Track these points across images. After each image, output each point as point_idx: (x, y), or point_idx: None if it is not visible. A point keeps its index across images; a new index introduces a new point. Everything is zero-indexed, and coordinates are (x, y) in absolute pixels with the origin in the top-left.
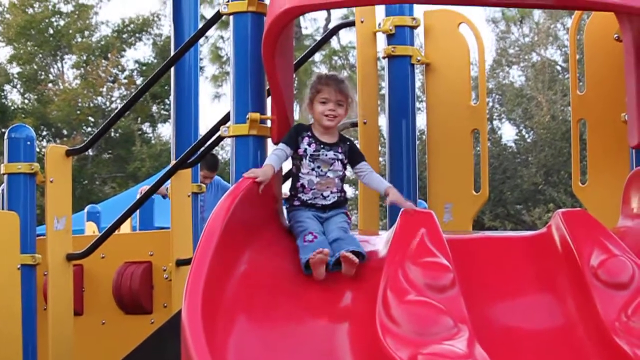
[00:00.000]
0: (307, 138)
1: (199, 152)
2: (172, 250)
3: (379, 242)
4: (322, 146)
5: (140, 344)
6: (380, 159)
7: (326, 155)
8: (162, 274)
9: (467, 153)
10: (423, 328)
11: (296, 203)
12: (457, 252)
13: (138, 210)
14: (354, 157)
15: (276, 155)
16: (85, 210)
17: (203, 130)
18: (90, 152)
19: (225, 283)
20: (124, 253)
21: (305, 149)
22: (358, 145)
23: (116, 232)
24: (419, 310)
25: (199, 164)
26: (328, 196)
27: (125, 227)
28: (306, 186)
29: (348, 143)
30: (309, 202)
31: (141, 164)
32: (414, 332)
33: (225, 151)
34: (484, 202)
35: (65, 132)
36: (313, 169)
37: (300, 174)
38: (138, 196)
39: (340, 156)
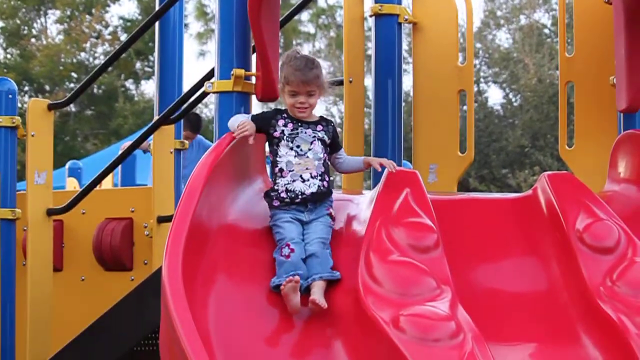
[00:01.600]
0: (282, 120)
1: (182, 109)
2: (154, 206)
3: (363, 202)
4: (299, 124)
5: (119, 300)
6: (365, 119)
7: (305, 132)
8: (143, 231)
9: (453, 114)
10: (405, 288)
11: (275, 203)
12: (441, 213)
13: (120, 167)
14: (335, 142)
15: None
16: (67, 166)
17: (187, 88)
18: (72, 108)
19: (207, 240)
20: (105, 209)
21: (282, 130)
22: (343, 106)
23: (97, 188)
24: (402, 271)
25: (182, 122)
26: (308, 180)
27: (107, 184)
28: (284, 169)
29: (331, 125)
30: (288, 190)
31: (124, 120)
32: (396, 293)
33: (209, 109)
34: (470, 163)
35: (47, 87)
36: (291, 149)
37: (277, 158)
38: (120, 152)
39: (321, 134)
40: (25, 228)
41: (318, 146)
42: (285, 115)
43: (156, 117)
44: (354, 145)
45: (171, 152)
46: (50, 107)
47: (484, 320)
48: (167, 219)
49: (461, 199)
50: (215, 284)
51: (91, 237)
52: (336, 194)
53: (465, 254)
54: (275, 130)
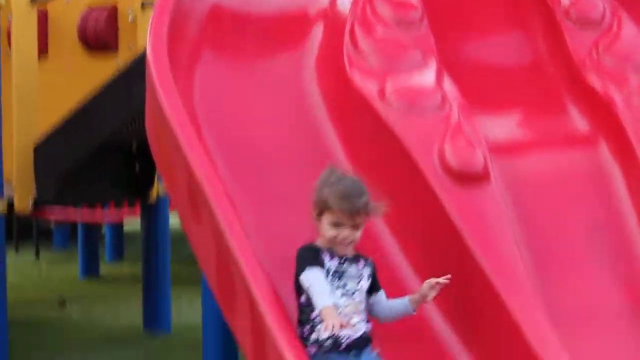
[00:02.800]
0: (326, 253)
1: None
2: None
3: None
4: (344, 259)
5: (106, 83)
6: None
7: (351, 268)
8: (128, 17)
9: None
10: (391, 61)
11: (311, 349)
12: None
13: None
14: (375, 282)
15: (323, 287)
16: None
17: None
18: None
19: (191, 21)
20: None
21: (328, 266)
22: None
23: None
24: (387, 44)
25: None
26: (356, 324)
27: None
28: None
29: (371, 260)
30: (332, 339)
31: None
32: (381, 65)
33: None
34: None
35: None
36: (338, 288)
37: None
38: None
39: (365, 272)
40: (10, 17)
41: (364, 284)
42: (324, 248)
43: None
44: None
45: None
46: None
47: (470, 92)
48: (150, 3)
49: None
50: (201, 62)
51: (76, 26)
52: None
53: (451, 28)
54: (323, 267)
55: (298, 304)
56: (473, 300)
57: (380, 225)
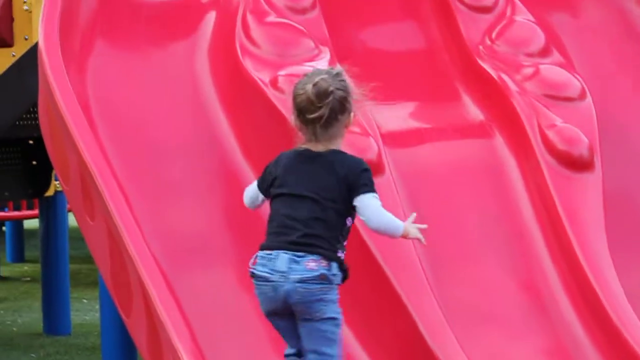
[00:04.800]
0: None
1: None
2: None
3: None
4: None
5: None
6: None
7: None
8: (22, 6)
9: None
10: (283, 49)
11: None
12: None
13: None
14: None
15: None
16: None
17: None
18: None
19: (83, 6)
20: None
21: None
22: None
23: None
24: (279, 32)
25: None
26: None
27: None
28: None
29: None
30: None
31: None
32: (273, 54)
33: None
34: None
35: None
36: None
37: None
38: None
39: None
40: None
41: None
42: None
43: None
44: None
45: None
46: None
47: (363, 81)
48: None
49: None
50: (94, 48)
51: None
52: None
53: (344, 17)
54: None
55: (343, 226)
56: (369, 293)
57: None
